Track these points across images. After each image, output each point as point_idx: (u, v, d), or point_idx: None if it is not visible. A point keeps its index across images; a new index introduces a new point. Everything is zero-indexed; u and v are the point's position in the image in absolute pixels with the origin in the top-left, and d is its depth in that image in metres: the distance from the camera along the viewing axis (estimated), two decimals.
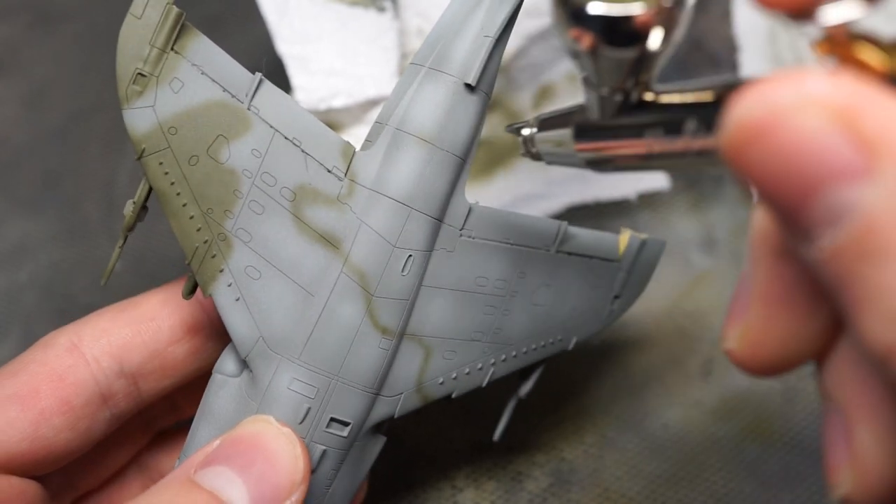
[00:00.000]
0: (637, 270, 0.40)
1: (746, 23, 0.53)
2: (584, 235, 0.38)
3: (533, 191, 0.50)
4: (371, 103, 0.47)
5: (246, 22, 0.53)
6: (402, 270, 0.34)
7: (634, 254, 0.39)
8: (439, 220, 0.34)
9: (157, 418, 0.39)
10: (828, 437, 0.24)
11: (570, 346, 0.39)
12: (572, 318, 0.39)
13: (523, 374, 0.39)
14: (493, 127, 0.49)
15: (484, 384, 0.37)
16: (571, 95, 0.51)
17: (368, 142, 0.35)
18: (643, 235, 0.40)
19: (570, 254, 0.38)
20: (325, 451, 0.33)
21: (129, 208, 0.33)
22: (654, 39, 0.23)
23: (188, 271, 0.34)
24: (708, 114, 0.23)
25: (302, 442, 0.32)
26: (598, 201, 0.52)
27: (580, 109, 0.28)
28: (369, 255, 0.33)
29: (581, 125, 0.28)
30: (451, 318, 0.35)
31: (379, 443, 0.36)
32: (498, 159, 0.50)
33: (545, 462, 0.44)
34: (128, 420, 0.36)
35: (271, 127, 0.33)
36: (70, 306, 0.50)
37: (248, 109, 0.33)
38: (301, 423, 0.33)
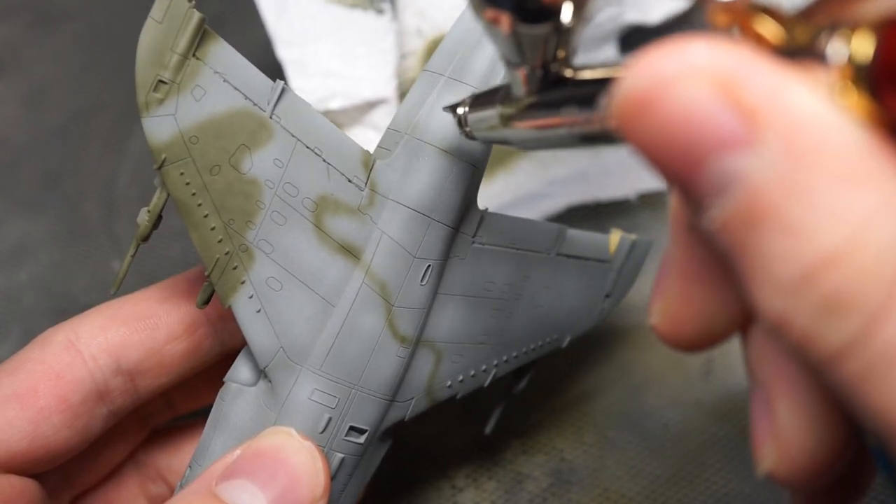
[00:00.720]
0: (627, 270, 0.41)
1: None
2: (581, 238, 0.39)
3: (533, 191, 0.50)
4: (369, 105, 0.47)
5: (245, 23, 0.53)
6: (422, 280, 0.34)
7: (625, 254, 0.40)
8: (456, 229, 0.34)
9: (153, 415, 0.39)
10: (753, 413, 0.23)
11: (564, 344, 0.40)
12: (568, 317, 0.39)
13: (517, 371, 0.40)
14: None
15: (486, 384, 0.37)
16: None
17: (384, 150, 0.34)
18: (632, 236, 0.41)
19: (568, 256, 0.38)
20: (342, 459, 0.33)
21: (143, 217, 0.32)
22: (566, 14, 0.24)
23: (194, 273, 0.34)
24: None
25: (323, 456, 0.32)
26: (597, 201, 0.52)
27: (506, 88, 0.28)
28: (390, 265, 0.33)
29: (506, 104, 0.28)
30: (461, 323, 0.36)
31: (386, 446, 0.36)
32: (498, 159, 0.50)
33: (545, 462, 0.44)
34: (124, 417, 0.36)
35: (293, 136, 0.32)
36: (70, 306, 0.50)
37: (271, 118, 0.32)
38: (322, 432, 0.33)
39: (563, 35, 0.24)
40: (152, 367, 0.35)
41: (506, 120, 0.28)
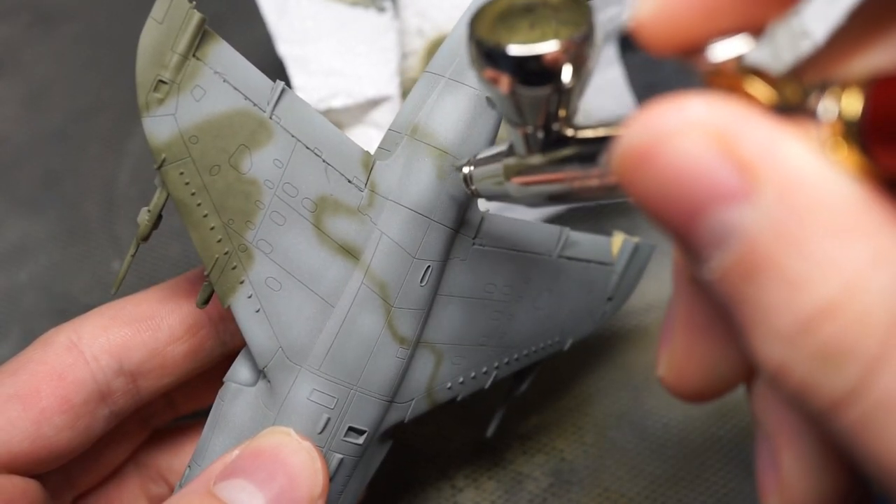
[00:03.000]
0: (629, 273, 0.41)
1: None
2: (583, 240, 0.39)
3: None
4: (371, 103, 0.47)
5: (246, 22, 0.53)
6: (421, 281, 0.34)
7: (628, 257, 0.40)
8: (456, 230, 0.34)
9: (154, 416, 0.39)
10: (759, 461, 0.24)
11: (566, 347, 0.40)
12: (570, 320, 0.39)
13: (519, 374, 0.40)
14: None
15: (487, 386, 0.37)
16: None
17: (385, 150, 0.34)
18: (635, 239, 0.41)
19: (570, 259, 0.38)
20: (341, 460, 0.33)
21: (143, 217, 0.32)
22: (566, 75, 0.24)
23: (196, 274, 0.34)
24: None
25: (321, 456, 0.32)
26: (598, 202, 0.52)
27: (509, 147, 0.29)
28: (390, 266, 0.33)
29: (509, 162, 0.29)
30: (461, 324, 0.36)
31: (386, 447, 0.36)
32: None
33: (545, 462, 0.44)
34: (125, 418, 0.36)
35: (293, 136, 0.32)
36: (70, 306, 0.50)
37: (271, 118, 0.32)
38: (320, 433, 0.33)
39: (564, 95, 0.25)
40: (154, 367, 0.35)
41: (509, 178, 0.29)
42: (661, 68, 0.53)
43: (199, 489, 0.30)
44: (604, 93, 0.51)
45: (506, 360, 0.38)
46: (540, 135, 0.26)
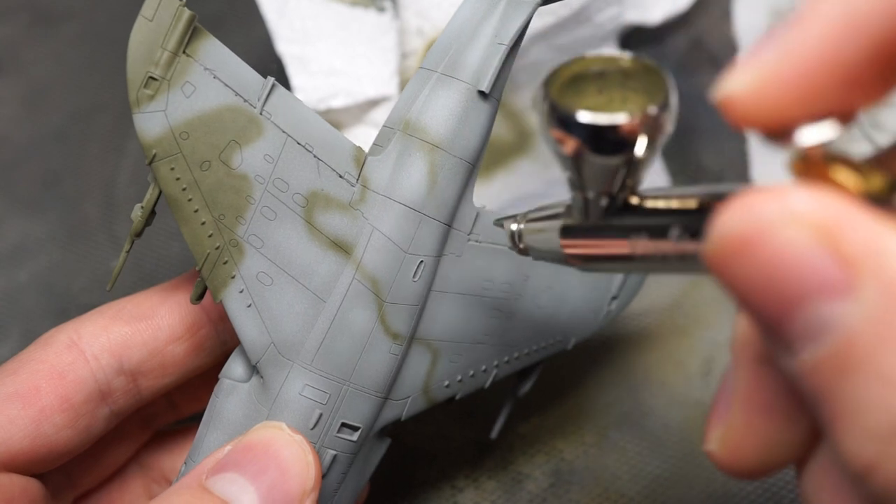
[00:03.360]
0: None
1: (746, 23, 0.53)
2: None
3: (533, 191, 0.50)
4: (371, 103, 0.47)
5: (246, 22, 0.53)
6: (414, 276, 0.34)
7: None
8: (449, 225, 0.34)
9: (156, 416, 0.39)
10: None
11: (570, 347, 0.39)
12: (572, 319, 0.39)
13: (522, 373, 0.39)
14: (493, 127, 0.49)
15: (487, 385, 0.37)
16: None
17: (378, 146, 0.34)
18: None
19: None
20: (335, 457, 0.33)
21: (137, 213, 0.33)
22: (640, 147, 0.23)
23: (196, 274, 0.34)
24: (692, 221, 0.23)
25: (313, 448, 0.32)
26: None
27: (567, 208, 0.28)
28: (381, 261, 0.33)
29: (568, 224, 0.28)
30: (458, 321, 0.36)
31: (384, 445, 0.36)
32: (498, 159, 0.50)
33: (545, 462, 0.44)
34: (127, 418, 0.37)
35: (283, 132, 0.33)
36: (70, 306, 0.50)
37: (261, 114, 0.32)
38: (312, 428, 0.33)
39: (635, 166, 0.24)
40: (154, 367, 0.35)
41: (565, 238, 0.28)
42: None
43: (191, 483, 0.30)
44: None
45: (506, 358, 0.37)
46: (603, 202, 0.26)
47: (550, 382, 0.45)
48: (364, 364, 0.33)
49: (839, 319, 0.18)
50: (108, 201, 0.54)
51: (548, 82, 0.24)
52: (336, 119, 0.48)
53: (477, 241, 0.35)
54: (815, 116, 0.20)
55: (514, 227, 0.31)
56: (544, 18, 0.47)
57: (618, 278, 0.40)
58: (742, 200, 0.19)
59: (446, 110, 0.34)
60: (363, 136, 0.47)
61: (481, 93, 0.34)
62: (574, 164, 0.24)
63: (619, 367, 0.47)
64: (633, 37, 0.51)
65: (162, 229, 0.34)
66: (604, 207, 0.26)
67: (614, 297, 0.40)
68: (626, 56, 0.24)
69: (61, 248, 0.53)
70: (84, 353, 0.34)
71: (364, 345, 0.33)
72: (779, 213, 0.19)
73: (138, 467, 0.39)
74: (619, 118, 0.23)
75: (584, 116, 0.23)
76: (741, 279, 0.20)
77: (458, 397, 0.36)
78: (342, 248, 0.33)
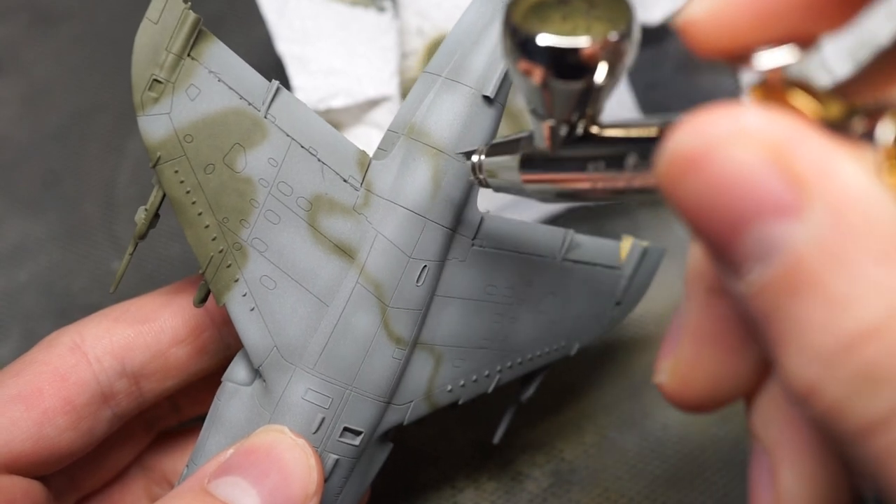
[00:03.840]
0: (638, 278, 0.40)
1: None
2: (589, 243, 0.38)
3: None
4: (371, 103, 0.47)
5: (246, 22, 0.53)
6: (417, 281, 0.34)
7: (636, 261, 0.40)
8: (453, 230, 0.34)
9: (158, 419, 0.39)
10: (754, 477, 0.23)
11: (573, 352, 0.39)
12: (575, 324, 0.39)
13: (525, 378, 0.39)
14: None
15: (490, 390, 0.37)
16: None
17: (382, 150, 0.34)
18: (644, 243, 0.40)
19: (575, 262, 0.38)
20: (337, 461, 0.33)
21: (140, 215, 0.33)
22: (600, 73, 0.24)
23: (199, 277, 0.34)
24: (650, 149, 0.22)
25: (316, 453, 0.32)
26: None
27: (528, 138, 0.28)
28: (385, 265, 0.33)
29: (527, 155, 0.28)
30: (461, 326, 0.35)
31: (386, 450, 0.36)
32: None
33: (545, 462, 0.44)
34: (129, 421, 0.36)
35: (288, 136, 0.33)
36: (70, 306, 0.50)
37: (265, 118, 0.32)
38: (315, 433, 0.33)
39: (595, 92, 0.24)
40: (157, 369, 0.35)
41: (524, 170, 0.28)
42: (661, 68, 0.53)
43: (193, 486, 0.30)
44: None
45: (509, 363, 0.37)
46: (564, 130, 0.26)
47: (551, 383, 0.45)
48: (367, 368, 0.33)
49: (787, 240, 0.18)
50: (108, 201, 0.54)
51: (511, 8, 0.24)
52: (336, 119, 0.48)
53: (481, 247, 0.35)
54: (774, 41, 0.20)
55: (475, 157, 0.31)
56: None
57: (622, 284, 0.40)
58: (693, 119, 0.19)
59: (451, 115, 0.33)
60: (363, 136, 0.47)
61: (486, 97, 0.34)
62: (537, 91, 0.25)
63: (620, 368, 0.47)
64: None
65: (163, 230, 0.34)
66: (565, 136, 0.26)
67: (618, 303, 0.40)
68: None
69: (61, 248, 0.53)
70: (87, 356, 0.34)
71: (367, 349, 0.33)
72: (729, 130, 0.18)
73: (140, 469, 0.39)
74: (581, 41, 0.23)
75: (546, 39, 0.23)
76: (689, 199, 0.19)
77: (460, 402, 0.36)
78: (346, 252, 0.33)
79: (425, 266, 0.34)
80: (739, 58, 0.20)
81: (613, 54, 0.23)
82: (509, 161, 0.29)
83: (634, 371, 0.47)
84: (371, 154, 0.35)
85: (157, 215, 0.33)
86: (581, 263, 0.38)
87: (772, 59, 0.20)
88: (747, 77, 0.21)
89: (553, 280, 0.37)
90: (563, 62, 0.23)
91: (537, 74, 0.24)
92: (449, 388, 0.36)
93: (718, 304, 0.23)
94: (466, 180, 0.34)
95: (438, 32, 0.47)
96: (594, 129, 0.25)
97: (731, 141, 0.18)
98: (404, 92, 0.48)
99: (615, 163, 0.24)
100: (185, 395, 0.39)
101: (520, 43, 0.24)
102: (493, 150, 0.30)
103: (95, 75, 0.60)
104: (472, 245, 0.35)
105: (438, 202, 0.33)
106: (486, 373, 0.37)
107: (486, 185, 0.31)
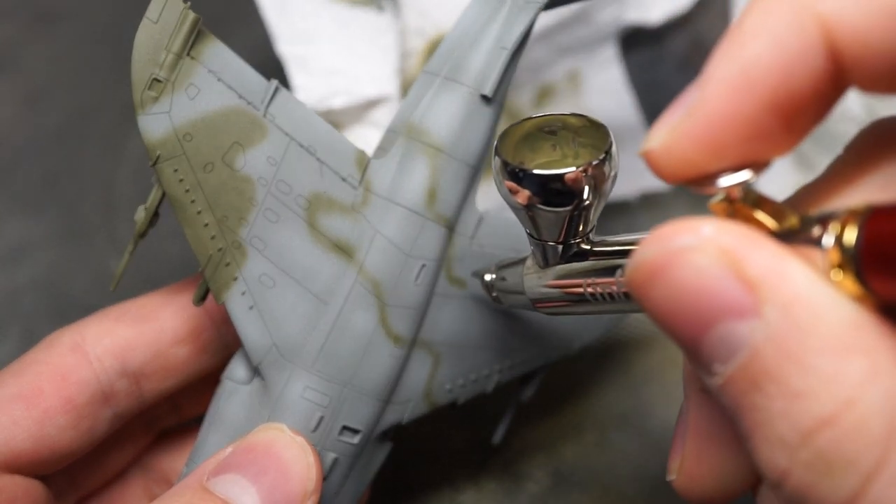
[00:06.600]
0: None
1: None
2: None
3: None
4: (371, 103, 0.47)
5: (246, 22, 0.53)
6: (416, 279, 0.34)
7: None
8: (451, 229, 0.34)
9: (159, 419, 0.39)
10: None
11: (574, 351, 0.39)
12: (577, 323, 0.39)
13: (525, 378, 0.39)
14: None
15: (489, 390, 0.37)
16: (571, 95, 0.51)
17: (381, 150, 0.35)
18: None
19: None
20: (336, 459, 0.33)
21: (140, 214, 0.33)
22: (586, 195, 0.26)
23: (199, 277, 0.34)
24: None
25: (315, 450, 0.32)
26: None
27: (530, 257, 0.31)
28: (383, 264, 0.33)
29: (529, 272, 0.31)
30: (460, 325, 0.36)
31: (386, 449, 0.36)
32: None
33: (545, 462, 0.44)
34: (130, 420, 0.37)
35: (287, 135, 0.33)
36: (70, 306, 0.50)
37: (264, 117, 0.32)
38: (314, 431, 0.33)
39: (583, 213, 0.27)
40: (157, 369, 0.35)
41: (528, 288, 0.31)
42: (661, 68, 0.53)
43: (192, 484, 0.30)
44: (604, 93, 0.51)
45: (508, 363, 0.37)
46: (559, 249, 0.28)
47: (551, 383, 0.45)
48: (365, 367, 0.33)
49: (746, 338, 0.20)
50: (108, 201, 0.54)
51: (500, 141, 0.27)
52: (336, 119, 0.48)
53: (480, 246, 0.35)
54: (728, 168, 0.22)
55: (487, 277, 0.33)
56: (544, 18, 0.47)
57: None
58: (658, 232, 0.21)
59: (449, 114, 0.34)
60: (363, 136, 0.47)
61: (484, 97, 0.34)
62: (528, 216, 0.27)
63: (620, 368, 0.47)
64: (633, 37, 0.51)
65: (163, 230, 0.34)
66: (559, 254, 0.28)
67: None
68: (571, 115, 0.27)
69: (61, 249, 0.53)
70: (87, 355, 0.34)
71: (365, 347, 0.33)
72: (688, 240, 0.21)
73: (140, 469, 0.39)
74: (562, 170, 0.26)
75: (535, 171, 0.26)
76: (657, 304, 0.21)
77: (460, 402, 0.36)
78: (344, 250, 0.33)
79: (424, 265, 0.34)
80: (700, 181, 0.22)
81: (596, 175, 0.26)
82: (516, 279, 0.31)
83: (634, 371, 0.47)
84: (371, 154, 0.35)
85: (156, 214, 0.33)
86: None
87: (728, 180, 0.22)
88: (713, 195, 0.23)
89: None
90: (549, 190, 0.26)
91: (525, 200, 0.27)
92: (448, 387, 0.36)
93: (712, 403, 0.25)
94: (465, 179, 0.34)
95: (438, 32, 0.47)
96: (586, 245, 0.28)
97: (689, 249, 0.20)
98: (404, 92, 0.48)
99: (605, 275, 0.27)
100: (185, 395, 0.39)
101: (509, 172, 0.26)
102: (502, 268, 0.33)
103: (95, 75, 0.60)
104: (471, 244, 0.35)
105: (437, 201, 0.34)
106: (486, 372, 0.37)
107: (501, 303, 0.34)
